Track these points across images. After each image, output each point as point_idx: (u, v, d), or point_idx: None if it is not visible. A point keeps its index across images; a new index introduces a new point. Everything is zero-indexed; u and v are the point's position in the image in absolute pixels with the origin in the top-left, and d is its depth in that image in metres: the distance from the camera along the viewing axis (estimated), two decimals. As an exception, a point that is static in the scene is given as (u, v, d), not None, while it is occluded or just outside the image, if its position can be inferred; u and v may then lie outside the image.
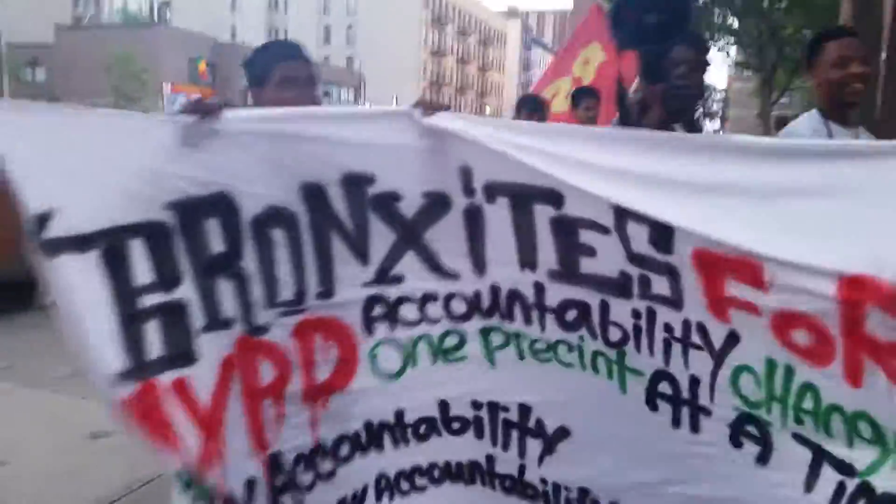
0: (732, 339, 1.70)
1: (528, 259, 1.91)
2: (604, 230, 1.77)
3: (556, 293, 1.90)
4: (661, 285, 1.76)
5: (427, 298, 2.01)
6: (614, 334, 1.87)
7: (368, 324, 1.99)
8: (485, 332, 2.03)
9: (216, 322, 1.78)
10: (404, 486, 2.12)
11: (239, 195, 1.77)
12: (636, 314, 1.82)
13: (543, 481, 2.08)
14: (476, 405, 2.09)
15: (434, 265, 1.98)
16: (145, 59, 38.56)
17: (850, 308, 1.52)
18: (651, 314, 1.80)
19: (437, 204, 1.94)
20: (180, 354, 1.71)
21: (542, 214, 1.85)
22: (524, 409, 2.06)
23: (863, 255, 1.50)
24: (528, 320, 1.96)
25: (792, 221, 1.59)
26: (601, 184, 1.74)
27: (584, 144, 1.82)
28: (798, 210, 1.60)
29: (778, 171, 1.64)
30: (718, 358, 1.74)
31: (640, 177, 1.73)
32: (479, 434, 2.10)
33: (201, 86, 43.03)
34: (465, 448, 2.10)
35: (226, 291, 1.79)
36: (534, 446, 2.07)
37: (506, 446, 2.10)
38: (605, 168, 1.76)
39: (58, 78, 40.36)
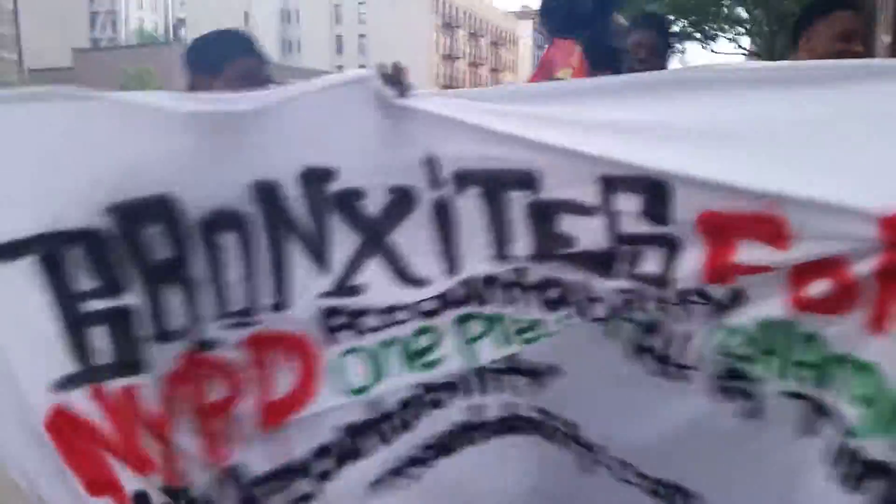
0: (738, 295, 1.56)
1: (503, 249, 1.74)
2: (586, 211, 1.63)
3: (537, 272, 1.74)
4: (652, 261, 1.61)
5: (393, 308, 1.80)
6: (599, 310, 1.71)
7: (328, 334, 1.77)
8: (462, 321, 1.82)
9: (163, 334, 1.64)
10: (400, 479, 1.90)
11: (184, 196, 1.59)
12: (624, 290, 1.67)
13: (541, 411, 1.90)
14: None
15: (401, 272, 1.77)
16: (161, 77, 39.25)
17: (892, 248, 1.37)
18: (641, 293, 1.66)
19: (403, 200, 1.74)
20: (129, 362, 1.60)
21: (518, 202, 1.69)
22: (512, 358, 1.85)
23: None
24: (508, 300, 1.78)
25: (818, 157, 1.44)
26: (587, 146, 1.58)
27: (565, 103, 1.67)
28: (821, 144, 1.44)
29: (792, 101, 1.48)
30: (719, 312, 1.60)
31: (631, 131, 1.59)
32: (467, 391, 1.88)
33: None
34: (452, 413, 1.90)
35: (171, 301, 1.63)
36: (522, 383, 1.88)
37: (496, 389, 1.89)
38: (592, 126, 1.62)
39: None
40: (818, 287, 1.47)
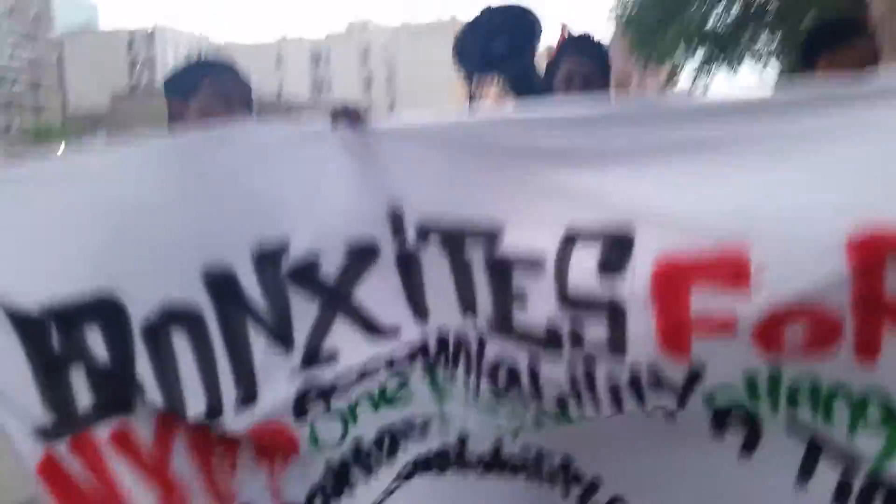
0: (695, 376, 1.41)
1: (469, 303, 1.63)
2: (536, 266, 1.49)
3: (491, 350, 1.63)
4: (598, 329, 1.45)
5: (367, 364, 1.69)
6: (550, 390, 1.57)
7: (301, 411, 1.64)
8: (430, 369, 1.74)
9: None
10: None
11: (125, 295, 1.46)
12: (572, 366, 1.52)
13: (526, 448, 1.77)
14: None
15: (368, 326, 1.66)
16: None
17: (864, 273, 1.24)
18: (590, 361, 1.50)
19: (363, 256, 1.63)
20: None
21: (478, 258, 1.58)
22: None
23: (863, 204, 1.23)
24: (467, 380, 1.70)
25: (772, 184, 1.31)
26: (550, 189, 1.49)
27: (527, 131, 1.54)
28: (776, 171, 1.31)
29: (751, 124, 1.36)
30: (682, 395, 1.45)
31: (596, 167, 1.45)
32: (446, 427, 1.79)
33: None
34: (431, 439, 1.80)
35: (113, 387, 1.52)
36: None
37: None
38: (556, 163, 1.49)
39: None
40: (795, 332, 1.32)
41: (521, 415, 1.68)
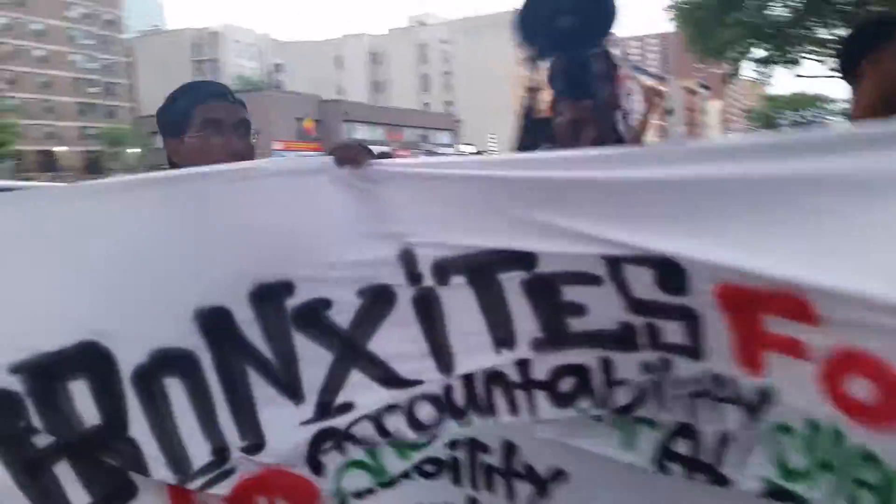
0: (768, 393, 1.36)
1: (503, 337, 1.54)
2: (592, 280, 1.44)
3: (545, 363, 1.53)
4: (674, 333, 1.42)
5: (387, 410, 1.59)
6: (623, 396, 1.50)
7: (316, 463, 1.55)
8: (454, 445, 1.65)
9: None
10: None
11: (112, 341, 1.36)
12: (647, 367, 1.47)
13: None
14: (452, 444, 1.65)
15: (389, 377, 1.55)
16: (257, 121, 41.47)
17: None
18: (665, 364, 1.46)
19: (377, 301, 1.53)
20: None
21: (511, 282, 1.50)
22: (509, 448, 1.64)
23: None
24: (513, 408, 1.57)
25: (837, 235, 1.20)
26: (583, 227, 1.41)
27: (556, 170, 1.46)
28: (842, 220, 1.21)
29: (802, 171, 1.26)
30: (752, 414, 1.39)
31: (630, 206, 1.39)
32: (456, 479, 1.68)
33: (309, 141, 46.08)
34: (440, 492, 1.68)
35: (107, 476, 1.40)
36: (524, 489, 1.66)
37: (490, 488, 1.67)
38: (585, 203, 1.42)
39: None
40: (859, 386, 1.23)
41: (593, 422, 1.56)
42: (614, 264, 1.42)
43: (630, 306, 1.44)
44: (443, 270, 1.53)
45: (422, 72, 76.86)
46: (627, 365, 1.49)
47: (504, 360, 1.55)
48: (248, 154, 1.76)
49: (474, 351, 1.56)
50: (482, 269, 1.51)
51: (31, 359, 1.31)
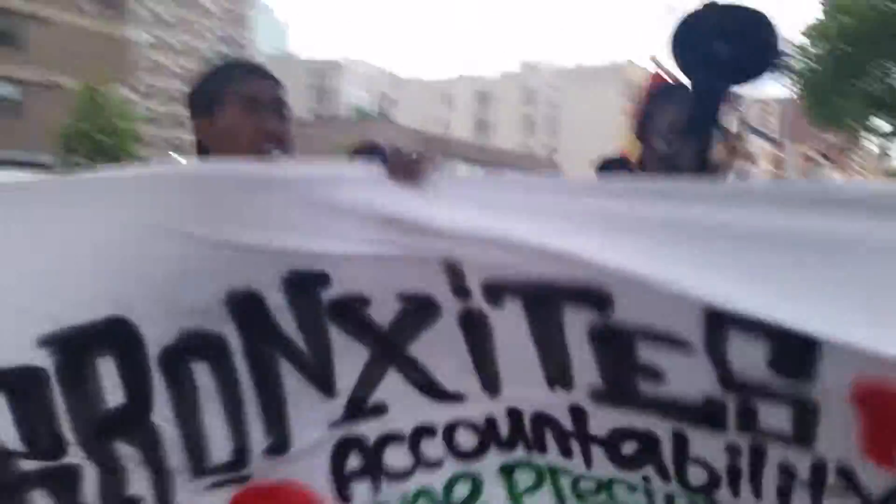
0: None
1: (557, 377, 1.38)
2: (680, 347, 1.23)
3: (605, 420, 1.38)
4: (774, 417, 1.22)
5: (421, 433, 1.45)
6: (697, 476, 1.34)
7: (342, 485, 1.43)
8: (507, 471, 1.50)
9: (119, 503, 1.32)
10: None
11: (140, 319, 1.27)
12: (733, 450, 1.29)
13: None
14: None
15: (427, 385, 1.43)
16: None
17: None
18: (757, 451, 1.27)
19: (420, 309, 1.40)
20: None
21: (576, 321, 1.32)
22: None
23: None
24: (566, 452, 1.43)
25: None
26: (683, 271, 1.17)
27: (652, 206, 1.25)
28: None
29: None
30: None
31: (752, 256, 1.16)
32: None
33: None
34: None
35: (129, 460, 1.30)
36: None
37: None
38: (691, 243, 1.20)
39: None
40: None
41: (650, 490, 1.42)
42: (716, 326, 1.19)
43: (724, 382, 1.23)
44: (496, 290, 1.38)
45: (527, 113, 77.66)
46: (706, 444, 1.31)
47: (558, 401, 1.39)
48: (283, 136, 1.61)
49: (524, 381, 1.40)
50: (544, 298, 1.35)
51: (59, 331, 1.24)
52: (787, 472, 1.28)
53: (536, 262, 1.32)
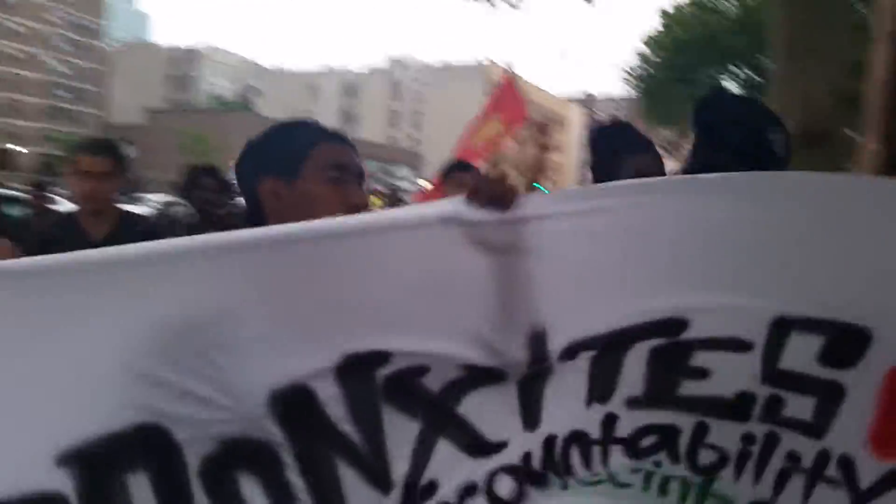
0: (890, 480, 1.26)
1: (602, 394, 1.33)
2: (740, 347, 1.28)
3: (632, 421, 1.35)
4: (799, 408, 1.29)
5: (464, 494, 1.33)
6: (706, 457, 1.37)
7: None
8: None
9: None
10: None
11: (175, 425, 1.08)
12: (748, 438, 1.34)
13: None
14: None
15: (473, 443, 1.30)
16: (222, 141, 42.48)
17: None
18: (771, 439, 1.33)
19: (482, 376, 1.26)
20: None
21: (641, 348, 1.30)
22: None
23: None
24: (587, 463, 1.39)
25: None
26: (758, 278, 1.24)
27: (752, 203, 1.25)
28: None
29: None
30: (860, 499, 1.28)
31: (817, 253, 1.23)
32: None
33: None
34: None
35: None
36: None
37: None
38: (763, 244, 1.25)
39: (145, 156, 44.64)
40: None
41: (658, 480, 1.41)
42: (781, 328, 1.25)
43: (766, 377, 1.28)
44: (573, 351, 1.27)
45: (393, 107, 78.48)
46: (724, 432, 1.33)
47: (592, 416, 1.33)
48: (365, 209, 1.50)
49: (564, 406, 1.32)
50: (618, 344, 1.28)
51: (81, 445, 1.03)
52: (792, 459, 1.33)
53: (625, 312, 1.26)
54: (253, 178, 1.45)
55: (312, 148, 1.44)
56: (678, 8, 24.91)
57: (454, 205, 1.19)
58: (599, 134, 2.36)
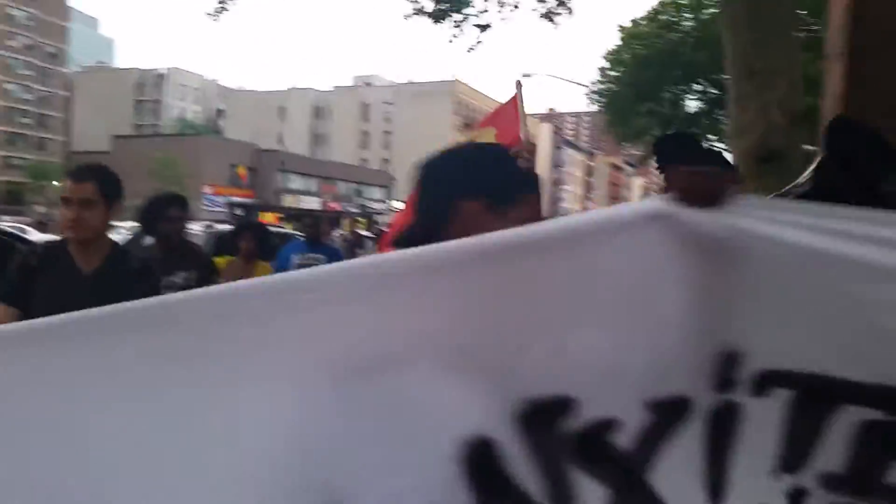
0: None
1: (792, 463, 1.14)
2: None
3: (822, 501, 1.13)
4: None
5: None
6: None
7: None
8: None
9: None
10: None
11: (351, 499, 0.98)
12: None
13: None
14: None
15: None
16: (191, 165, 42.03)
17: None
18: None
19: (668, 417, 1.09)
20: None
21: (850, 419, 1.08)
22: None
23: None
24: None
25: None
26: None
27: None
28: None
29: None
30: None
31: None
32: None
33: (241, 188, 47.48)
34: None
35: None
36: None
37: None
38: None
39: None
40: None
41: None
42: None
43: None
44: (769, 381, 1.10)
45: (363, 128, 78.61)
46: None
47: (775, 487, 1.16)
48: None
49: (750, 473, 1.16)
50: (826, 394, 1.09)
51: None
52: None
53: (847, 358, 1.05)
54: (456, 190, 1.34)
55: (530, 193, 1.40)
56: (635, 23, 25.38)
57: (658, 204, 1.00)
58: (666, 143, 2.36)
